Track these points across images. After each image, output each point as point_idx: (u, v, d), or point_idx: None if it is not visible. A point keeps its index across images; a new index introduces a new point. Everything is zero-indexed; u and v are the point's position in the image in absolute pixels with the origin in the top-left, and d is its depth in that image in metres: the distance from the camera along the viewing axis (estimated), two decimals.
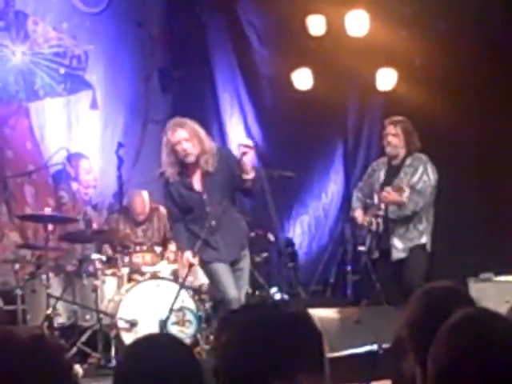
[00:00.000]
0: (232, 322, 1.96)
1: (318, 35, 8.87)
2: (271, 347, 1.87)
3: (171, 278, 6.97)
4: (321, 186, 9.58)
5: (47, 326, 6.53)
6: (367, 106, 9.19)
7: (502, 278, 7.40)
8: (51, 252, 7.03)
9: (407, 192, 6.69)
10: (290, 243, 9.36)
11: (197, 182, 6.00)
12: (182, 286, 6.29)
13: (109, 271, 7.04)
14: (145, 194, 7.73)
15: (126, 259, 7.10)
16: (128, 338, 6.53)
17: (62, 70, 9.08)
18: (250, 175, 5.80)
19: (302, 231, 9.65)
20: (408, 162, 6.94)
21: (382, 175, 7.07)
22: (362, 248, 7.04)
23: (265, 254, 8.40)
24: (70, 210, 7.65)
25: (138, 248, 7.24)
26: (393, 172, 6.99)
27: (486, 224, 8.16)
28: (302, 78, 9.01)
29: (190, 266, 6.00)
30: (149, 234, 7.74)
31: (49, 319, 6.55)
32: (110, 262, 7.13)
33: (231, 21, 9.74)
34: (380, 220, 6.90)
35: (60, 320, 6.78)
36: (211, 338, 6.71)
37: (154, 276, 6.99)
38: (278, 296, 7.84)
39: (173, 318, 6.59)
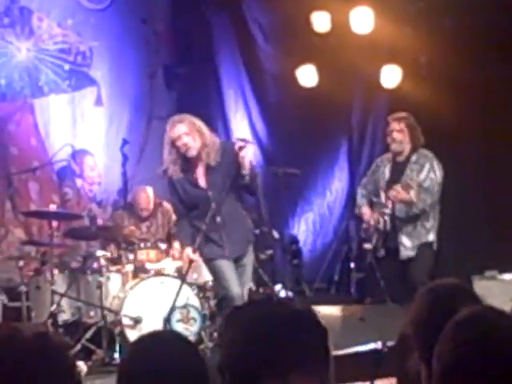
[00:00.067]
0: (236, 319, 1.96)
1: (322, 32, 8.85)
2: (275, 344, 1.86)
3: (175, 275, 6.96)
4: (325, 183, 9.56)
5: (51, 322, 6.54)
6: (372, 103, 9.17)
7: (507, 277, 7.40)
8: (56, 249, 7.01)
9: (414, 189, 6.67)
10: (294, 240, 9.36)
11: (201, 179, 5.98)
12: (183, 280, 6.26)
13: (113, 268, 7.04)
14: (149, 189, 7.74)
15: (131, 256, 7.10)
16: (132, 335, 6.53)
17: (67, 67, 9.09)
18: (247, 170, 5.79)
19: (306, 228, 9.63)
20: (414, 158, 6.88)
21: (387, 172, 7.00)
22: (367, 246, 7.01)
23: (269, 252, 8.39)
24: (75, 206, 7.66)
25: (142, 245, 7.23)
26: (398, 169, 6.93)
27: (491, 222, 8.15)
28: (307, 75, 8.99)
29: (191, 262, 5.99)
30: (153, 229, 7.74)
31: (53, 316, 6.55)
32: (115, 260, 7.13)
33: (236, 18, 9.73)
34: (387, 218, 6.86)
35: (64, 317, 6.77)
36: (215, 335, 6.72)
37: (159, 273, 6.98)
38: (282, 293, 7.83)
39: (177, 316, 6.57)
